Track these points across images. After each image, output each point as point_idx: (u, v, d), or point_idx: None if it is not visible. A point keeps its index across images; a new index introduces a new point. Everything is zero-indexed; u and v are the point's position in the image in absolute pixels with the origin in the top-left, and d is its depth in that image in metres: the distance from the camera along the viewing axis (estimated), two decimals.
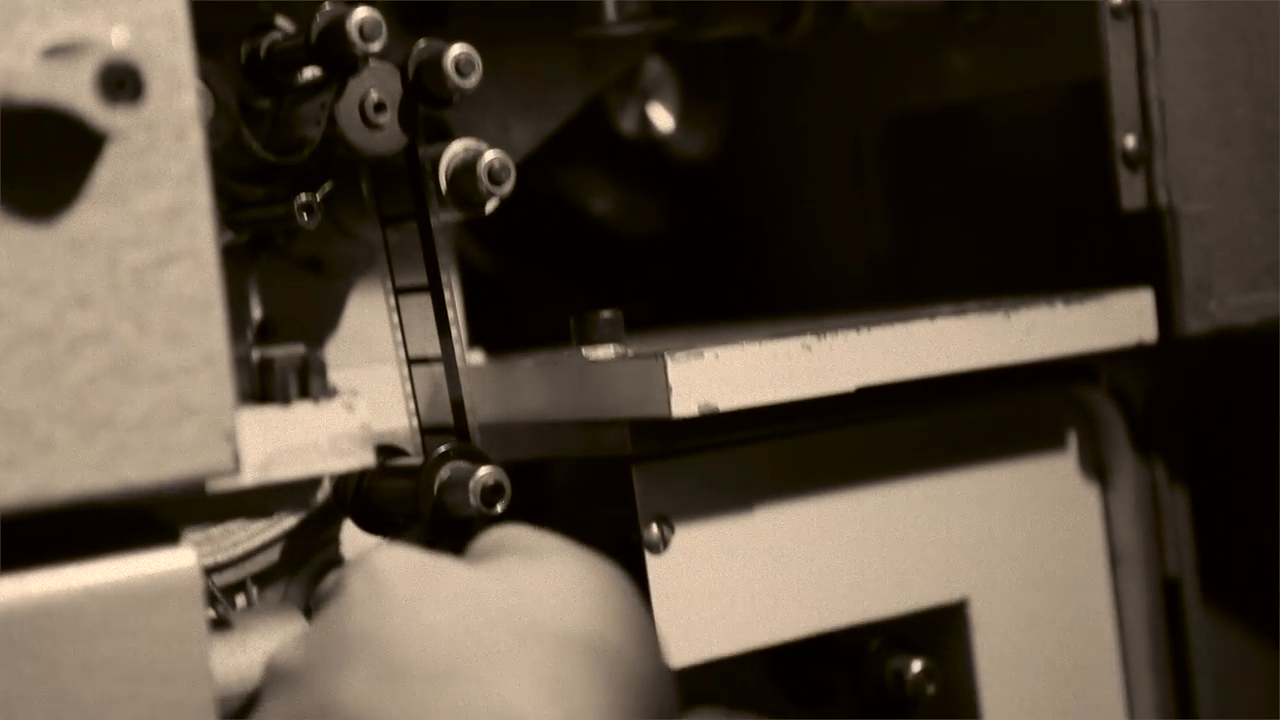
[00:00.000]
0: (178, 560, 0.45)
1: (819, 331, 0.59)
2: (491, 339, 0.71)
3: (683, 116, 0.84)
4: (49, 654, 0.43)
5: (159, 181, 0.43)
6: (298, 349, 0.49)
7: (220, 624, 0.52)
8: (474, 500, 0.55)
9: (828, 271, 0.81)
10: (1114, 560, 0.69)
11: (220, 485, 0.45)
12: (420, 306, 0.59)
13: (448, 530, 0.56)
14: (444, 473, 0.56)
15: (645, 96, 0.84)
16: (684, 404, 0.56)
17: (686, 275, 0.83)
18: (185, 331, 0.43)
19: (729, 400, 0.57)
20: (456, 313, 0.60)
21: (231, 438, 0.44)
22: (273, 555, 0.61)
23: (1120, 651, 0.69)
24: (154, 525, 0.47)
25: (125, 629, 0.44)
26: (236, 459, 0.44)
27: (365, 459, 0.49)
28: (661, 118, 0.84)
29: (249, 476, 0.46)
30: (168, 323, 0.43)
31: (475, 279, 0.74)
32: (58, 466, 0.42)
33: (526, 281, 0.82)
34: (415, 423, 0.59)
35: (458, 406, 0.58)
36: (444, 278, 0.58)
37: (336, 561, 0.62)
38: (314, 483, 0.55)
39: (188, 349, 0.43)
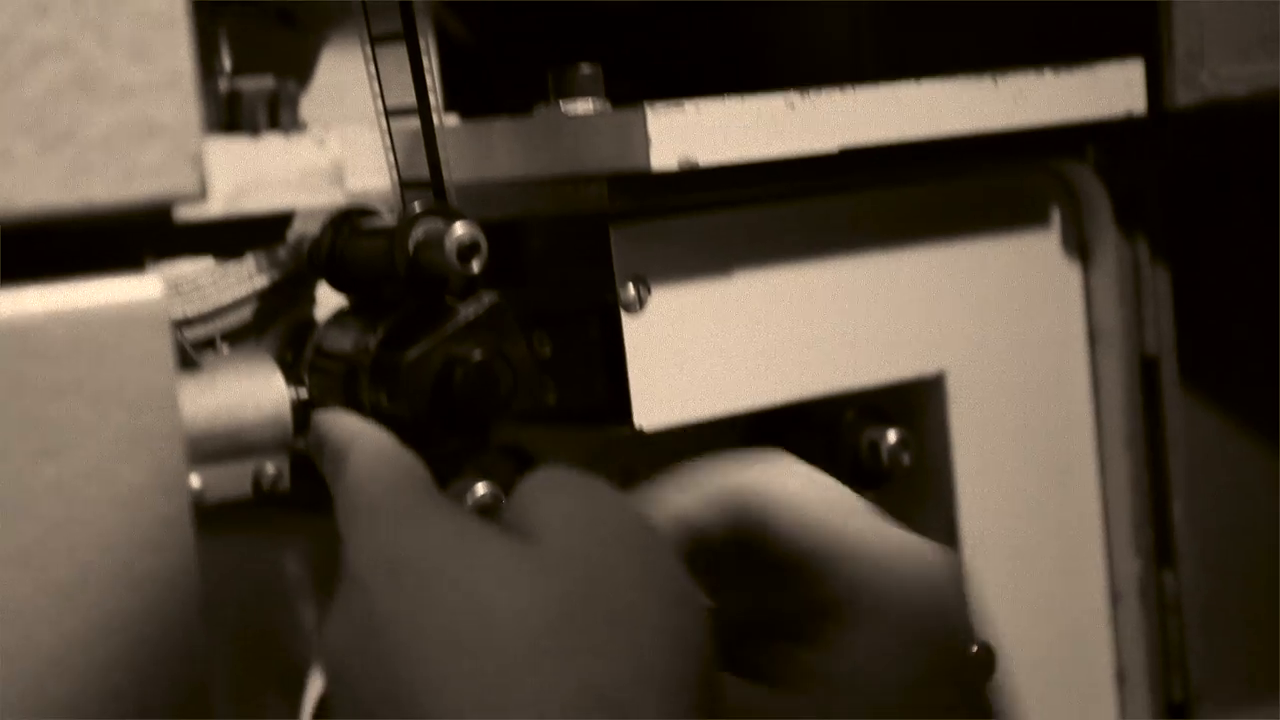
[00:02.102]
0: (145, 288, 0.44)
1: (803, 89, 0.58)
2: (467, 108, 0.70)
3: None
4: (14, 373, 0.42)
5: None
6: (267, 81, 0.47)
7: (189, 365, 0.51)
8: (450, 258, 0.54)
9: (812, 50, 0.79)
10: (1093, 338, 0.69)
11: (188, 214, 0.44)
12: (396, 62, 0.58)
13: (424, 289, 0.55)
14: (419, 231, 0.55)
15: None
16: (663, 157, 0.55)
17: (667, 50, 0.82)
18: (149, 47, 0.42)
19: (709, 155, 0.56)
20: (434, 72, 0.58)
21: (198, 161, 0.43)
22: (244, 313, 0.60)
23: (1095, 428, 0.69)
24: (120, 256, 0.46)
25: (91, 354, 0.43)
26: (204, 185, 0.43)
27: (336, 197, 0.48)
28: None
29: (217, 206, 0.45)
30: (131, 37, 0.42)
31: (452, 51, 0.73)
32: (18, 180, 0.41)
33: (503, 54, 0.80)
34: (395, 175, 0.58)
35: (434, 165, 0.57)
36: (420, 27, 0.56)
37: (309, 323, 0.61)
38: (283, 224, 0.53)
39: (152, 66, 0.42)
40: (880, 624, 0.49)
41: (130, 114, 0.42)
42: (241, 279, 0.60)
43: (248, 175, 0.45)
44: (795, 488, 0.50)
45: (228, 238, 0.45)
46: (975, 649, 0.64)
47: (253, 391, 0.52)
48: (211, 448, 0.50)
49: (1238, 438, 0.73)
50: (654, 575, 0.44)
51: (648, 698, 0.42)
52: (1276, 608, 0.76)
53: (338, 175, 0.47)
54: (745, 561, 0.51)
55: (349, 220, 0.58)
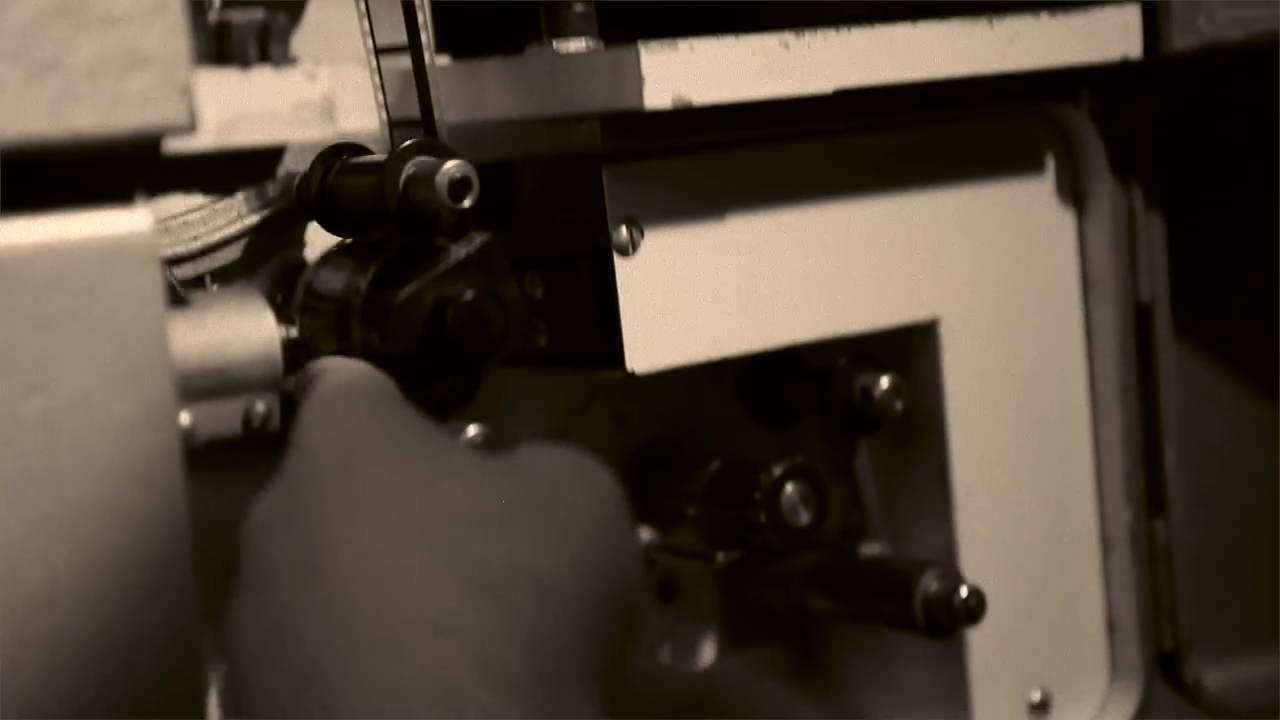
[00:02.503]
0: (134, 221, 0.44)
1: (798, 30, 0.57)
2: (459, 47, 0.69)
3: None
4: (1, 306, 0.42)
5: None
6: (257, 13, 0.47)
7: (178, 302, 0.51)
8: (441, 194, 0.54)
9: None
10: (1086, 285, 0.68)
11: (177, 147, 0.44)
12: (387, 0, 0.57)
13: (415, 226, 0.55)
14: (410, 167, 0.55)
15: None
16: (657, 96, 0.55)
17: None
18: None
19: (703, 94, 0.55)
20: (426, 9, 0.58)
21: (187, 92, 0.42)
22: (233, 252, 0.60)
23: (1088, 375, 0.69)
24: (110, 190, 0.46)
25: (80, 286, 0.43)
26: (193, 116, 0.43)
27: (327, 131, 0.47)
28: None
29: (206, 139, 0.45)
30: None
31: None
32: (4, 108, 0.40)
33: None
34: (384, 114, 0.58)
35: (425, 103, 0.56)
36: None
37: (300, 263, 0.61)
38: (274, 158, 0.53)
39: None
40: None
41: (116, 42, 0.41)
42: (231, 218, 0.60)
43: (237, 108, 0.45)
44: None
45: (217, 172, 0.45)
46: (965, 593, 0.64)
47: (243, 329, 0.51)
48: (201, 385, 0.50)
49: (1231, 386, 0.73)
50: (589, 476, 0.46)
51: (570, 580, 0.42)
52: (1267, 557, 0.76)
53: (328, 109, 0.46)
54: None
55: (339, 157, 0.58)
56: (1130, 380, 0.69)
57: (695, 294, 0.60)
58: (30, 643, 0.43)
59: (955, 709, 0.69)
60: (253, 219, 0.60)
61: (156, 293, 0.44)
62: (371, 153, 0.59)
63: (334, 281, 0.56)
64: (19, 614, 0.43)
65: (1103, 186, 0.68)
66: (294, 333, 0.54)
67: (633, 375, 0.60)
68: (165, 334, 0.44)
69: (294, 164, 0.59)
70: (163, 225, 0.57)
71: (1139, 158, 0.68)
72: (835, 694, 0.73)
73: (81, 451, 0.44)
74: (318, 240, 0.60)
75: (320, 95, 0.46)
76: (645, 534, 0.67)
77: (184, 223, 0.59)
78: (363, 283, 0.55)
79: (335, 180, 0.57)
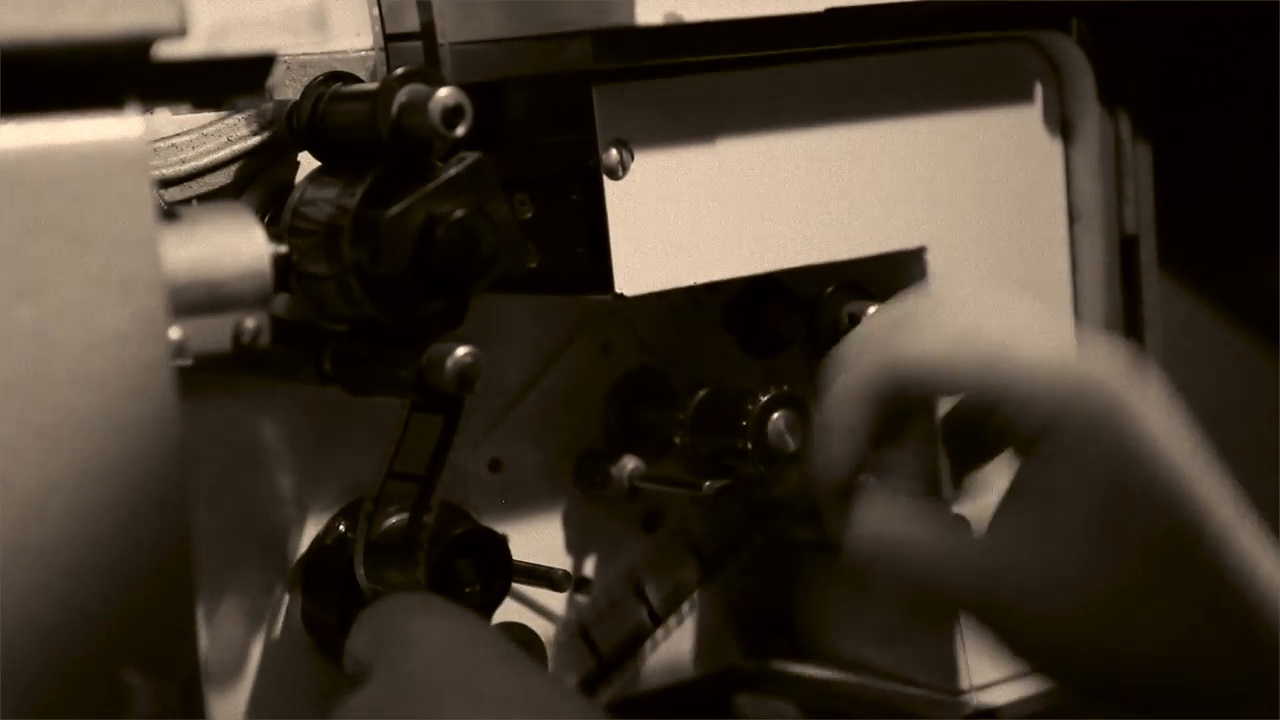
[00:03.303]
0: (125, 128, 0.43)
1: None
2: None
3: None
4: None
5: None
6: None
7: (168, 218, 0.50)
8: (435, 121, 0.53)
9: None
10: (1072, 215, 0.69)
11: (168, 53, 0.44)
12: None
13: (407, 154, 0.55)
14: (402, 95, 0.55)
15: None
16: (649, 12, 0.54)
17: None
18: None
19: (695, 11, 0.55)
20: None
21: None
22: (222, 177, 0.59)
23: (1073, 305, 0.69)
24: (101, 97, 0.45)
25: (70, 192, 0.43)
26: (183, 20, 0.42)
27: (319, 41, 0.47)
28: None
29: (197, 45, 0.44)
30: None
31: None
32: None
33: None
34: (380, 28, 0.57)
35: (427, 25, 0.56)
36: None
37: (288, 185, 0.60)
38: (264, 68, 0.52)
39: None
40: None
41: None
42: (221, 142, 0.59)
43: (228, 13, 0.44)
44: (921, 344, 0.51)
45: (208, 81, 0.44)
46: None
47: (233, 244, 0.51)
48: (191, 300, 0.50)
49: (1214, 317, 0.73)
50: None
51: None
52: (1248, 487, 0.76)
53: (320, 19, 0.46)
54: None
55: (329, 86, 0.58)
56: (1115, 310, 0.69)
57: (684, 217, 0.60)
58: (23, 552, 0.43)
59: (938, 641, 0.69)
60: (242, 144, 0.59)
61: (147, 201, 0.44)
62: (361, 81, 0.59)
63: (322, 201, 0.56)
64: (11, 523, 0.43)
65: (1091, 116, 0.68)
66: (284, 249, 0.54)
67: (621, 299, 0.60)
68: (156, 243, 0.44)
69: (282, 86, 0.58)
70: (150, 147, 0.57)
71: (1128, 88, 0.68)
72: (816, 626, 0.73)
73: (72, 360, 0.43)
74: (308, 166, 0.60)
75: (313, 2, 0.46)
76: (631, 463, 0.67)
77: (172, 145, 0.58)
78: (351, 201, 0.54)
79: (326, 109, 0.57)
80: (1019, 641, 0.52)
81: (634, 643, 0.70)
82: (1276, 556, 0.53)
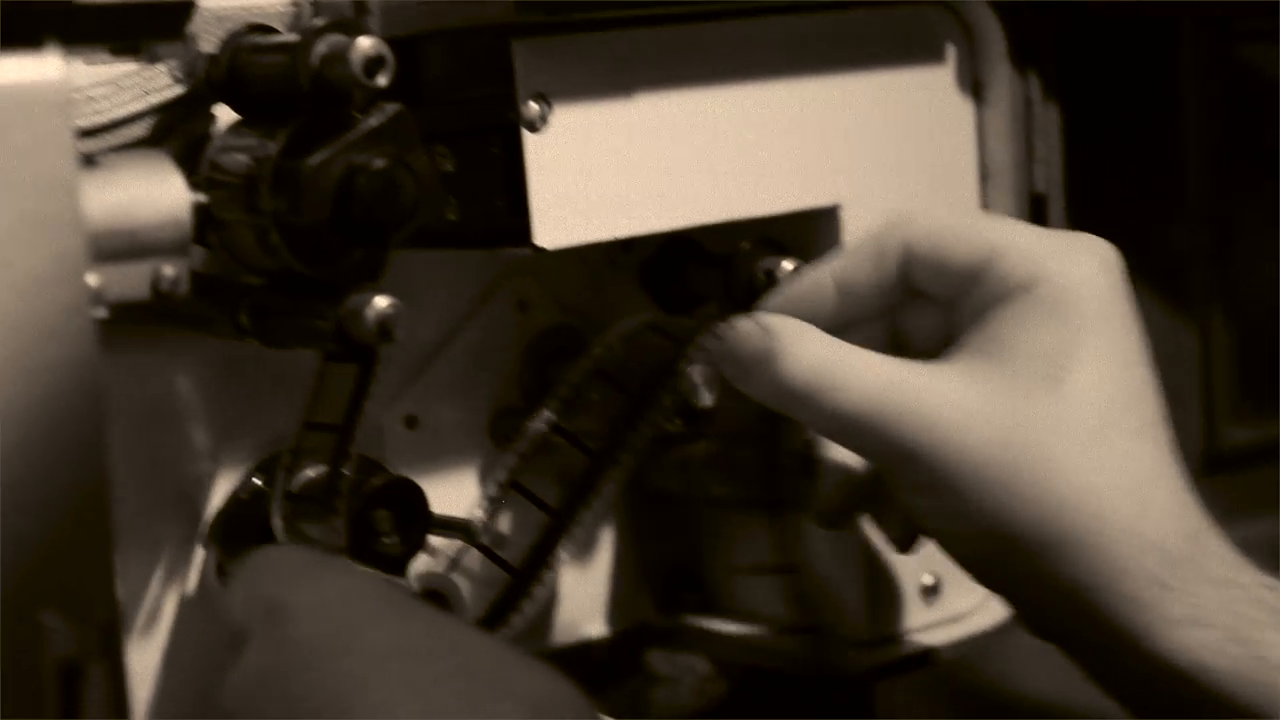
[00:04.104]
0: (45, 69, 0.43)
1: None
2: None
3: None
4: None
5: None
6: None
7: (88, 163, 0.50)
8: (356, 71, 0.53)
9: None
10: (984, 175, 0.70)
11: None
12: None
13: (327, 106, 0.54)
14: (322, 46, 0.55)
15: None
16: None
17: None
18: None
19: None
20: None
21: None
22: (138, 129, 0.59)
23: None
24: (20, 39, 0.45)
25: None
26: None
27: None
28: None
29: None
30: None
31: None
32: None
33: None
34: None
35: None
36: None
37: (204, 140, 0.60)
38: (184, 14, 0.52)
39: None
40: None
41: None
42: (137, 94, 0.59)
43: None
44: (932, 217, 0.60)
45: (127, 24, 0.44)
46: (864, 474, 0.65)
47: (151, 191, 0.51)
48: (109, 246, 0.49)
49: None
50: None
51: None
52: None
53: None
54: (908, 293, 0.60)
55: (248, 37, 0.57)
56: None
57: (603, 171, 0.60)
58: None
59: (848, 596, 0.70)
60: (159, 96, 0.59)
61: (67, 142, 0.44)
62: (281, 33, 0.59)
63: (241, 152, 0.55)
64: None
65: (1001, 77, 0.69)
66: (203, 198, 0.54)
67: (540, 252, 0.60)
68: (76, 185, 0.44)
69: (202, 44, 0.58)
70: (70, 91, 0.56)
71: (1038, 50, 0.69)
72: (728, 581, 0.74)
73: None
74: (225, 119, 0.59)
75: None
76: (547, 418, 0.67)
77: (88, 97, 0.58)
78: (270, 152, 0.54)
79: (245, 60, 0.57)
80: (937, 492, 0.56)
81: (549, 598, 0.70)
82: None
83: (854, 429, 0.58)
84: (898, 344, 0.62)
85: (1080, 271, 0.57)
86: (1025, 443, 0.56)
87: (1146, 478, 0.56)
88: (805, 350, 0.58)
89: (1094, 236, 0.59)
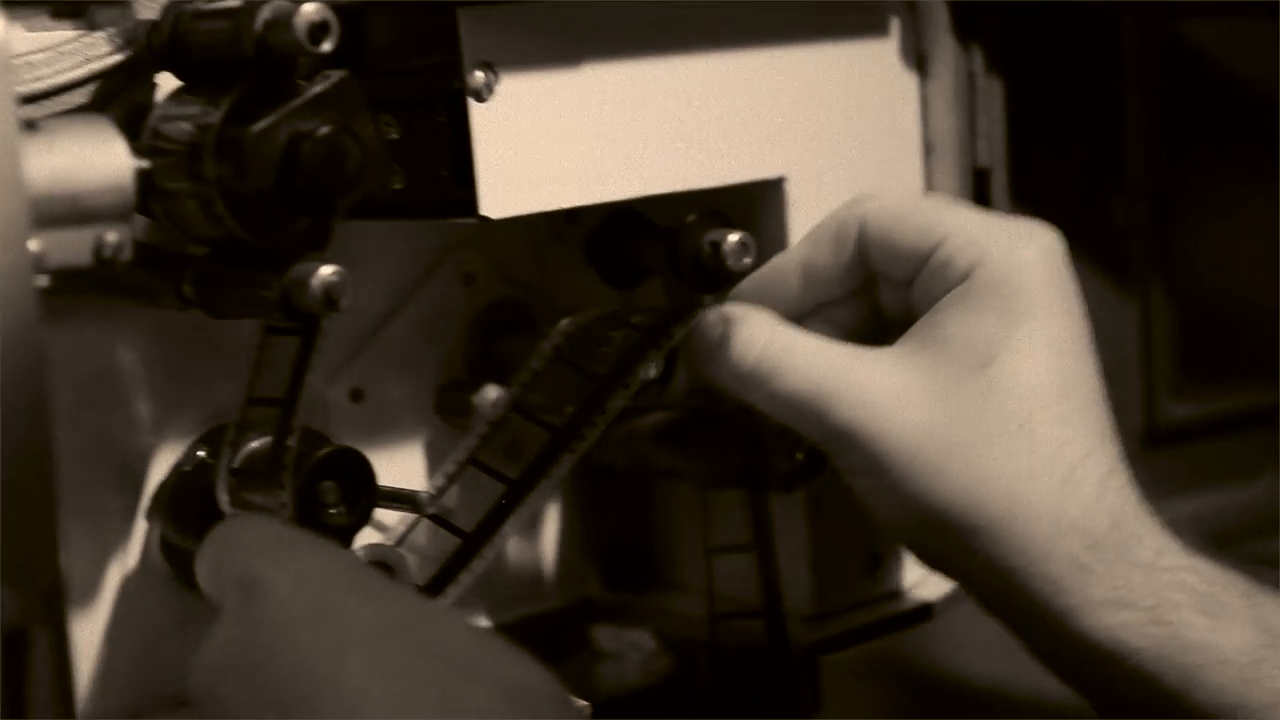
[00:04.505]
0: None
1: None
2: None
3: None
4: None
5: None
6: None
7: (29, 127, 0.49)
8: (300, 37, 0.53)
9: None
10: (927, 148, 0.70)
11: None
12: None
13: (272, 73, 0.54)
14: (266, 11, 0.54)
15: None
16: None
17: None
18: None
19: None
20: None
21: None
22: (79, 97, 0.58)
23: None
24: None
25: None
26: None
27: None
28: None
29: None
30: None
31: None
32: None
33: None
34: None
35: None
36: None
37: (145, 108, 0.60)
38: None
39: None
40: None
41: None
42: (78, 61, 0.58)
43: None
44: (887, 200, 0.61)
45: None
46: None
47: (94, 156, 0.50)
48: (51, 211, 0.49)
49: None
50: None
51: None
52: None
53: None
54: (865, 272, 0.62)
55: (191, 3, 0.57)
56: None
57: (550, 141, 0.60)
58: None
59: (794, 571, 0.70)
60: (100, 63, 0.58)
61: (8, 106, 0.43)
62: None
63: (184, 119, 0.55)
64: None
65: (945, 51, 0.69)
66: (146, 165, 0.53)
67: (486, 222, 0.60)
68: (17, 150, 0.43)
69: (143, 11, 0.58)
70: (10, 53, 0.55)
71: (981, 23, 0.69)
72: (673, 557, 0.74)
73: None
74: (167, 86, 0.59)
75: None
76: (493, 392, 0.67)
77: (27, 63, 0.57)
78: (214, 119, 0.54)
79: (188, 27, 0.56)
80: (873, 473, 0.58)
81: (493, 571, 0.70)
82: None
83: (797, 411, 0.59)
84: (877, 324, 0.63)
85: (1019, 258, 0.58)
86: (954, 427, 0.57)
87: (1072, 463, 0.57)
88: (754, 337, 0.60)
89: (1038, 223, 0.61)
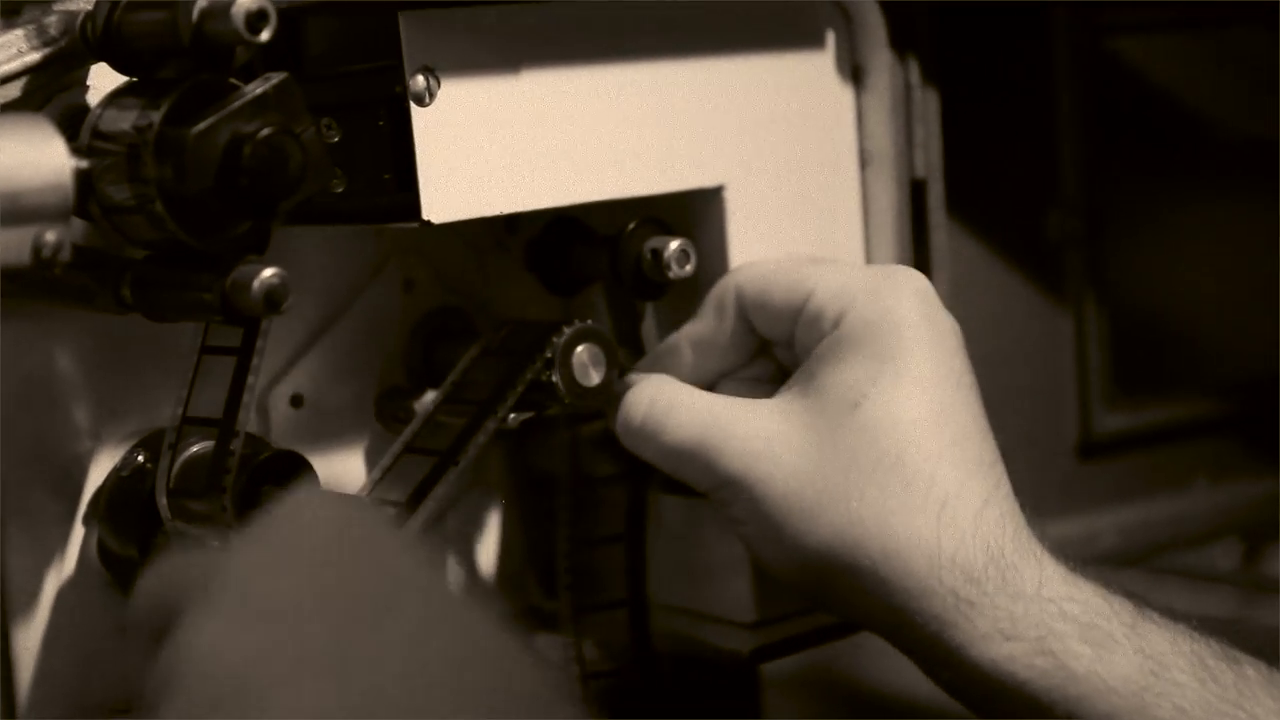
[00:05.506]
0: None
1: None
2: None
3: None
4: None
5: None
6: None
7: None
8: (238, 26, 0.53)
9: None
10: (864, 159, 0.71)
11: None
12: None
13: (209, 63, 0.54)
14: (202, 1, 0.54)
15: None
16: None
17: None
18: None
19: None
20: None
21: None
22: (12, 91, 0.58)
23: (865, 246, 0.71)
24: None
25: None
26: None
27: None
28: None
29: None
30: None
31: None
32: None
33: None
34: None
35: None
36: None
37: (83, 106, 0.59)
38: None
39: None
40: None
41: None
42: (10, 54, 0.58)
43: None
44: (758, 266, 0.64)
45: None
46: None
47: (32, 155, 0.50)
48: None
49: (999, 262, 0.76)
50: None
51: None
52: (1026, 431, 0.80)
53: None
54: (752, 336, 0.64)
55: None
56: (905, 252, 0.71)
57: (492, 147, 0.61)
58: None
59: (735, 578, 0.71)
60: (33, 56, 0.58)
61: None
62: None
63: (123, 120, 0.55)
64: None
65: (881, 62, 0.70)
66: (85, 165, 0.53)
67: (428, 227, 0.60)
68: None
69: (76, 2, 0.57)
70: None
71: (917, 36, 0.70)
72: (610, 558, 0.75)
73: None
74: (100, 84, 0.59)
75: None
76: (433, 398, 0.67)
77: None
78: (153, 120, 0.54)
79: (123, 17, 0.56)
80: (755, 520, 0.59)
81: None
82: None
83: (685, 463, 0.62)
84: (785, 379, 0.64)
85: (885, 303, 0.60)
86: (829, 470, 0.58)
87: (944, 498, 0.57)
88: (639, 396, 0.63)
89: (908, 269, 0.62)
